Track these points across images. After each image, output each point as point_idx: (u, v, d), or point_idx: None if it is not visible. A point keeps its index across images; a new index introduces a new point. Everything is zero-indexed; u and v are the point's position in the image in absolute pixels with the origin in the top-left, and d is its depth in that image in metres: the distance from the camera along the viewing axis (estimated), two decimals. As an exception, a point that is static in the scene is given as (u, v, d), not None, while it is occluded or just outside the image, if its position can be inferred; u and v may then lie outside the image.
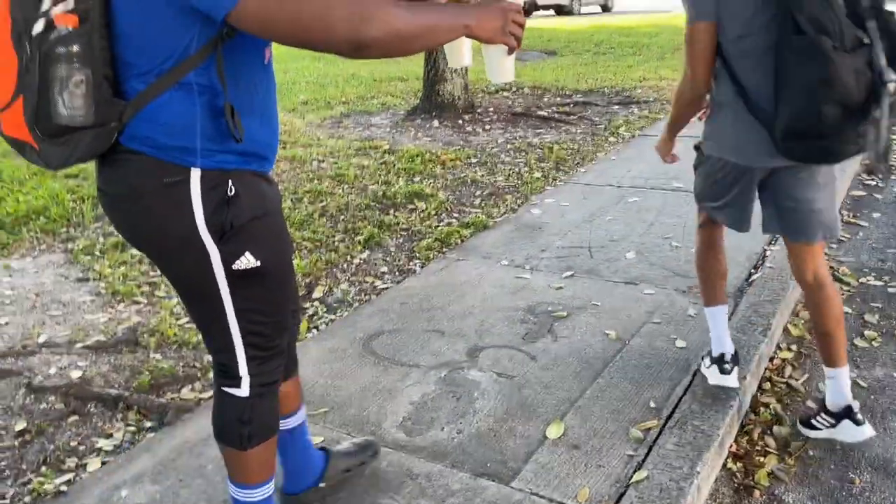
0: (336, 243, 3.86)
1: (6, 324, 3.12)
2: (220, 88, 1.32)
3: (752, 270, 3.23)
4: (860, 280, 3.31)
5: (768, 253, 3.36)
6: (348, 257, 3.70)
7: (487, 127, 6.25)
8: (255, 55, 1.40)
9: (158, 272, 3.65)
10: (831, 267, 3.40)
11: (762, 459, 2.18)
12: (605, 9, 21.83)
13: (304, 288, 3.38)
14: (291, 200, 4.51)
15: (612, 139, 5.72)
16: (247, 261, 1.42)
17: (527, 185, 4.64)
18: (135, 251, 3.92)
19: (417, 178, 4.85)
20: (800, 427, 2.27)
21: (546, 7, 20.64)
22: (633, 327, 2.78)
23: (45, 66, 1.23)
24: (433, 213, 4.23)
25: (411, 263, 3.60)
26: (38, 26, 1.23)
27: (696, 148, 2.19)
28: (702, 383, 2.37)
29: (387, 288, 3.33)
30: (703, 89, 1.99)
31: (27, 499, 2.10)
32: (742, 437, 2.29)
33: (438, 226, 4.03)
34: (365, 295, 3.29)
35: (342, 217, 4.21)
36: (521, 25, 1.40)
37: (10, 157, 5.96)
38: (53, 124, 1.26)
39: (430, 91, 6.59)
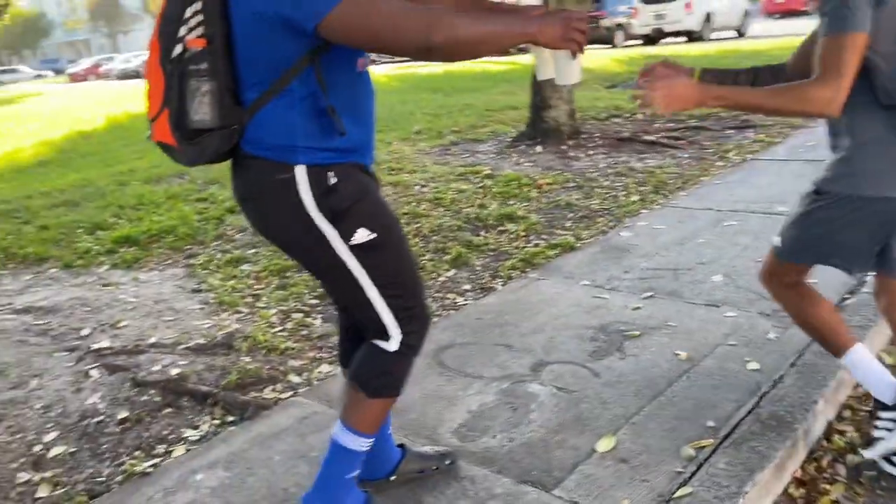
0: (424, 262, 4.00)
1: (125, 326, 3.48)
2: (319, 93, 1.54)
3: (847, 295, 3.05)
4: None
5: (867, 279, 3.16)
6: (434, 275, 3.83)
7: (591, 152, 6.24)
8: (350, 64, 1.60)
9: (263, 286, 3.95)
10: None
11: (828, 487, 2.07)
12: (740, 34, 21.08)
13: (390, 303, 3.53)
14: (390, 222, 4.71)
15: (719, 163, 5.54)
16: (362, 235, 1.62)
17: (621, 209, 4.61)
18: (245, 266, 4.26)
19: (512, 202, 4.93)
20: (876, 458, 2.13)
21: (676, 34, 20.24)
22: (706, 348, 2.71)
23: (181, 80, 1.52)
24: (522, 234, 4.29)
25: (494, 282, 3.68)
26: (177, 49, 1.52)
27: (820, 192, 1.89)
28: (768, 406, 2.28)
29: (466, 304, 3.42)
30: (840, 108, 1.70)
31: (119, 478, 2.35)
32: (810, 464, 2.18)
33: (525, 247, 4.08)
34: (445, 311, 3.39)
35: (434, 238, 4.35)
36: (583, 32, 1.54)
37: (151, 184, 6.63)
38: (188, 128, 1.54)
39: (536, 117, 6.67)
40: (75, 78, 42.38)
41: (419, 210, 4.88)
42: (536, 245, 4.09)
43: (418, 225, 4.60)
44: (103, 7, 65.47)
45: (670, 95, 1.76)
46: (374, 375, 1.76)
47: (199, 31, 1.50)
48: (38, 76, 52.45)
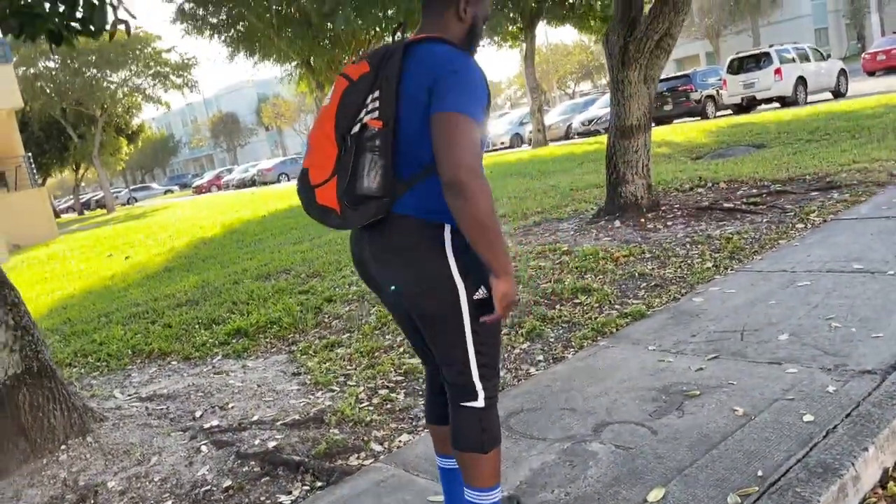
0: (501, 337, 4.23)
1: (232, 407, 3.88)
2: None
3: (915, 345, 3.04)
4: None
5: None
6: (510, 348, 4.05)
7: (669, 223, 6.34)
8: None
9: (354, 366, 4.28)
10: None
11: (878, 532, 2.10)
12: (837, 94, 20.56)
13: (468, 376, 3.77)
14: (472, 302, 5.00)
15: (799, 226, 5.52)
16: (482, 292, 1.91)
17: (694, 275, 4.69)
18: (339, 350, 4.62)
19: (588, 276, 5.11)
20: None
21: (768, 100, 20.02)
22: (763, 404, 2.78)
23: (357, 154, 1.82)
24: (595, 305, 4.46)
25: (566, 352, 3.85)
26: (356, 128, 1.84)
27: None
28: (817, 454, 2.34)
29: (538, 373, 3.61)
30: None
31: (222, 537, 2.66)
32: (862, 511, 2.21)
33: (598, 317, 4.24)
34: (517, 380, 3.60)
35: (511, 313, 4.59)
36: (507, 313, 1.88)
37: (260, 281, 7.24)
38: (356, 195, 1.82)
39: (613, 194, 6.87)
40: (199, 190, 46.15)
41: (499, 289, 5.13)
42: (608, 315, 4.25)
43: (497, 303, 4.85)
44: (223, 125, 71.56)
45: None
46: (478, 435, 1.97)
47: (376, 114, 1.81)
48: (167, 191, 57.47)
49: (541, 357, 3.86)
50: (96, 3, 3.14)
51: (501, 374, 3.72)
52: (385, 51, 1.91)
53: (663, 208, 6.79)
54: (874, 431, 2.40)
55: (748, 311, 3.86)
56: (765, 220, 5.88)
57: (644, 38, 6.29)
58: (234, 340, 5.28)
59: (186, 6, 19.91)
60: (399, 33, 2.00)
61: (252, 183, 40.98)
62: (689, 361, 3.34)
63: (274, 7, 19.89)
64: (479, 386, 1.96)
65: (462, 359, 1.94)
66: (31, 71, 33.94)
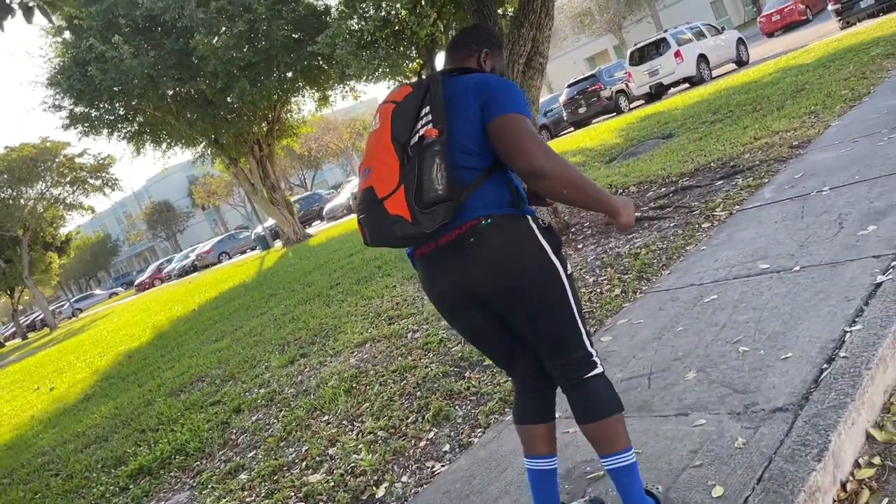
0: (407, 427, 3.81)
1: (110, 586, 3.36)
2: (512, 174, 2.03)
3: (826, 366, 2.70)
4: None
5: (847, 338, 2.80)
6: (415, 440, 3.63)
7: (580, 245, 6.02)
8: None
9: (254, 496, 3.81)
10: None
11: None
12: (740, 63, 20.88)
13: (372, 488, 3.34)
14: (379, 384, 4.58)
15: (705, 225, 5.25)
16: (570, 266, 2.06)
17: (603, 308, 4.35)
18: (242, 476, 4.14)
19: (497, 330, 4.73)
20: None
21: (676, 84, 20.21)
22: (670, 478, 2.40)
23: (421, 162, 1.88)
24: (502, 368, 4.07)
25: (473, 434, 3.45)
26: (415, 139, 1.93)
27: None
28: (727, 547, 1.96)
29: (441, 471, 3.20)
30: None
31: None
32: None
33: (505, 381, 3.86)
34: (418, 485, 3.17)
35: (417, 394, 4.18)
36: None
37: (173, 397, 6.70)
38: (425, 200, 1.86)
39: (519, 227, 6.55)
40: (143, 287, 44.89)
41: (407, 362, 4.72)
42: (515, 378, 3.86)
43: (405, 381, 4.44)
44: (157, 214, 70.22)
45: None
46: (611, 395, 2.07)
47: (430, 125, 1.92)
48: (112, 294, 55.88)
49: (447, 447, 3.44)
50: None
51: (405, 479, 3.31)
52: (424, 79, 2.07)
53: (573, 229, 6.48)
54: (788, 499, 2.04)
55: (655, 345, 3.51)
56: (672, 225, 5.59)
57: (510, 63, 6.02)
58: (134, 484, 4.75)
59: (76, 110, 19.26)
60: (422, 72, 2.40)
61: (193, 269, 40.03)
62: (595, 428, 2.95)
63: (168, 93, 19.42)
64: (591, 349, 2.07)
65: (575, 332, 2.03)
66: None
